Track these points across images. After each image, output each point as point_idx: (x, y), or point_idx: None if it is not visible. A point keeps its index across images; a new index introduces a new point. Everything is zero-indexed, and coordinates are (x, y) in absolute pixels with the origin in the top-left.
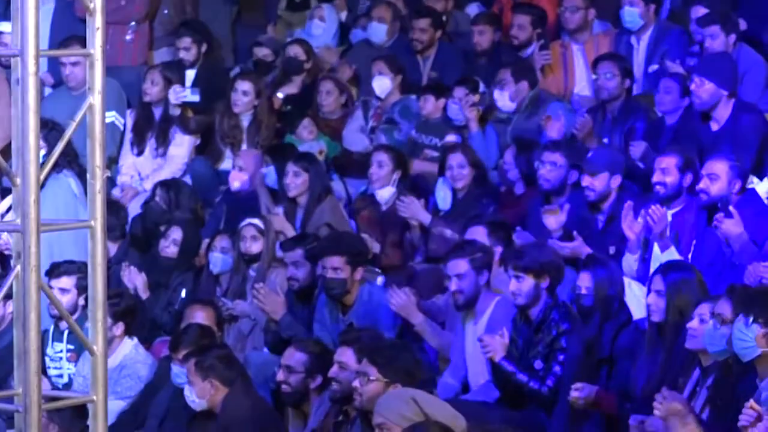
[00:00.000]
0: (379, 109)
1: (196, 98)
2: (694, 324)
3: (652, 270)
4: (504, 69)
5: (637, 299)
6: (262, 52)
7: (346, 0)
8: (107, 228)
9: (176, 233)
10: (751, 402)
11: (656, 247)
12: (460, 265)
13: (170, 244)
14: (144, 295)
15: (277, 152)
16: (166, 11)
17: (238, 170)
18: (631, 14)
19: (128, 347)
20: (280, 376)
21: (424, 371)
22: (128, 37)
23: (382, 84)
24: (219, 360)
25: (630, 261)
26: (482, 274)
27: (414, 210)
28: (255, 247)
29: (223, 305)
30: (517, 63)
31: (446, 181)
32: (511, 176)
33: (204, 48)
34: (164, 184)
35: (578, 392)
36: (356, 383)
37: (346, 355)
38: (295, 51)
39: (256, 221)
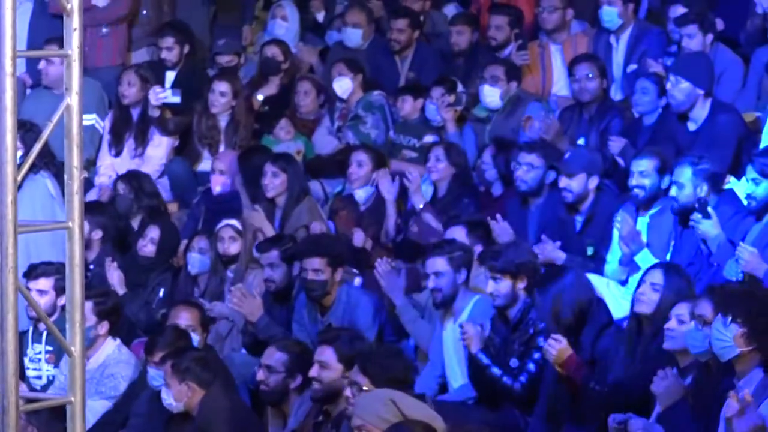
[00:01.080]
0: (344, 110)
1: (177, 99)
2: (671, 324)
3: (629, 273)
4: (496, 66)
5: (615, 300)
6: (225, 59)
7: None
8: (102, 229)
9: (153, 232)
10: (732, 393)
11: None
12: (438, 263)
13: (148, 243)
14: (120, 290)
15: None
16: (144, 12)
17: (219, 174)
18: (610, 14)
19: (111, 347)
20: (260, 375)
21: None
22: (104, 30)
23: (343, 84)
24: (196, 362)
25: (615, 266)
26: (460, 272)
27: (416, 186)
28: (233, 248)
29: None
30: (508, 62)
31: (428, 175)
32: (489, 176)
33: (186, 49)
34: (124, 177)
35: (555, 344)
36: (348, 393)
37: (326, 354)
38: (273, 51)
39: (234, 222)
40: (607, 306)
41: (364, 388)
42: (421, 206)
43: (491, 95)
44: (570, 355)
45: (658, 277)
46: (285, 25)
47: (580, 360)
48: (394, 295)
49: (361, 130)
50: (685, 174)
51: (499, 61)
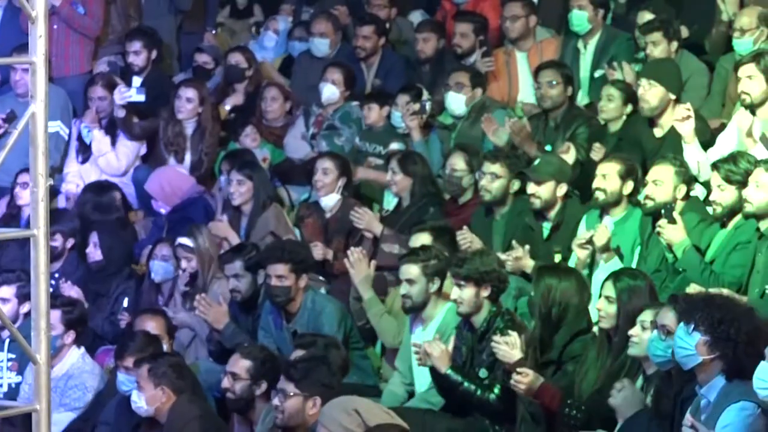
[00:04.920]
0: (320, 117)
1: (141, 98)
2: (635, 331)
3: (595, 278)
4: (461, 72)
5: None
6: (203, 59)
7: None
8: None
9: (94, 237)
10: (691, 419)
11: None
12: (411, 270)
13: (91, 248)
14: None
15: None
16: (111, 21)
17: None
18: (580, 18)
19: (75, 356)
20: (225, 383)
21: (341, 380)
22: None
23: (332, 91)
24: (172, 368)
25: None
26: (433, 281)
27: (368, 221)
28: (190, 266)
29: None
30: (473, 69)
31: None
32: (465, 183)
33: (154, 55)
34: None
35: (522, 378)
36: (276, 401)
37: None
38: (237, 59)
39: (186, 241)
40: (588, 312)
41: (289, 394)
42: (380, 233)
43: (456, 102)
44: (541, 384)
45: (609, 289)
46: (275, 38)
47: (553, 389)
48: (362, 288)
49: (335, 142)
50: (666, 172)
51: (464, 68)
